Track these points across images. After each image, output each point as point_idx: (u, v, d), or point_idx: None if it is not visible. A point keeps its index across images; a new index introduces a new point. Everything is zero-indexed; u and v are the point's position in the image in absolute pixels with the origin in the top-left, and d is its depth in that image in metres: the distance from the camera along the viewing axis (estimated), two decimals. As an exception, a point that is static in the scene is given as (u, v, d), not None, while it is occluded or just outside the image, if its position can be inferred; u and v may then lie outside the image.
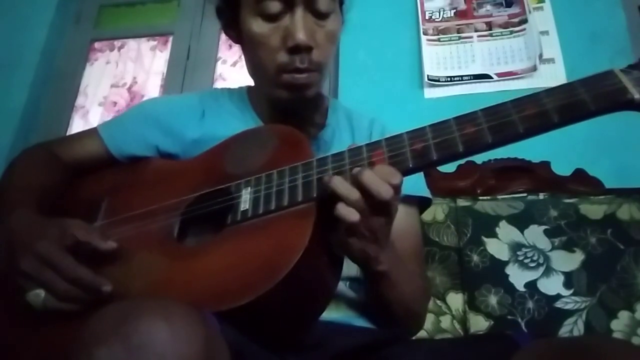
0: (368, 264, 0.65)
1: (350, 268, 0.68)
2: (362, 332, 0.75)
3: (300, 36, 0.74)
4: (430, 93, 1.65)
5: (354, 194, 0.58)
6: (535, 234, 1.14)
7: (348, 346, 0.70)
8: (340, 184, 0.59)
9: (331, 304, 0.69)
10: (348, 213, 0.58)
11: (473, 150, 0.59)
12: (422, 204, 0.90)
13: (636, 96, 0.55)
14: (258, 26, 0.78)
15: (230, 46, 2.04)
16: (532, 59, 1.60)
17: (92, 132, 0.92)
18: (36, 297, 0.62)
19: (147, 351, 0.41)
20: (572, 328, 1.03)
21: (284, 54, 0.77)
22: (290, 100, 0.80)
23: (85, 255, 0.65)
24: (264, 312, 0.56)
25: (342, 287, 0.77)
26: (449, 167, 1.32)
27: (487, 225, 1.17)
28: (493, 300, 1.09)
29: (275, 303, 0.56)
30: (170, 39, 2.17)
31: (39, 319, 0.64)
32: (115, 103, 2.16)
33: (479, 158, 1.31)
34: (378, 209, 0.59)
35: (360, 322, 0.77)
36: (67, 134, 2.04)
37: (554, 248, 1.11)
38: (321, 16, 0.78)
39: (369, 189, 0.57)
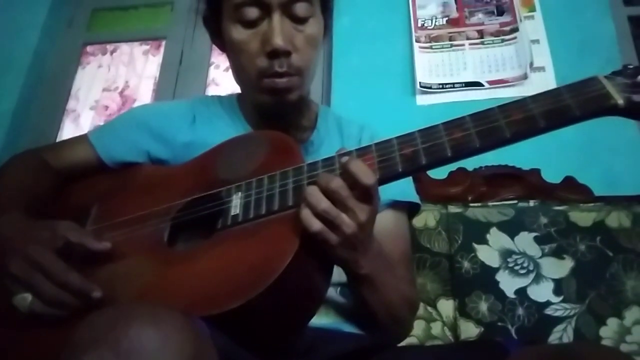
0: (347, 267, 0.65)
1: (341, 274, 0.68)
2: (351, 338, 0.75)
3: (277, 41, 0.75)
4: (422, 100, 1.66)
5: (322, 203, 0.58)
6: (525, 241, 1.15)
7: (337, 352, 0.70)
8: (312, 193, 0.59)
9: (321, 309, 0.69)
10: (310, 222, 0.58)
11: (461, 154, 0.60)
12: (411, 209, 0.91)
13: (620, 102, 0.56)
14: (238, 33, 0.79)
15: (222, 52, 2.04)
16: (522, 67, 1.61)
17: (82, 139, 0.91)
18: (23, 301, 0.61)
19: (136, 357, 0.41)
20: (561, 335, 1.03)
21: (263, 58, 0.77)
22: (273, 104, 0.80)
23: (75, 260, 0.65)
24: (254, 317, 0.56)
25: (332, 292, 0.77)
26: (440, 174, 1.32)
27: (478, 231, 1.18)
28: (483, 306, 1.09)
29: (265, 308, 0.56)
30: (163, 43, 2.16)
31: (30, 323, 0.63)
32: (106, 107, 2.15)
33: (470, 165, 1.32)
34: (362, 199, 0.59)
35: (350, 328, 0.77)
36: (58, 137, 2.03)
37: (543, 255, 1.12)
38: (299, 20, 0.79)
39: (354, 174, 0.58)
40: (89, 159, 0.89)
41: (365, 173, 0.58)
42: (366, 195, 0.59)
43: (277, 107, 0.81)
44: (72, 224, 0.69)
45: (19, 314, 0.62)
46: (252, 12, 0.77)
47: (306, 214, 0.59)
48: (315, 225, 0.58)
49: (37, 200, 0.80)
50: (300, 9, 0.78)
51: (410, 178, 0.92)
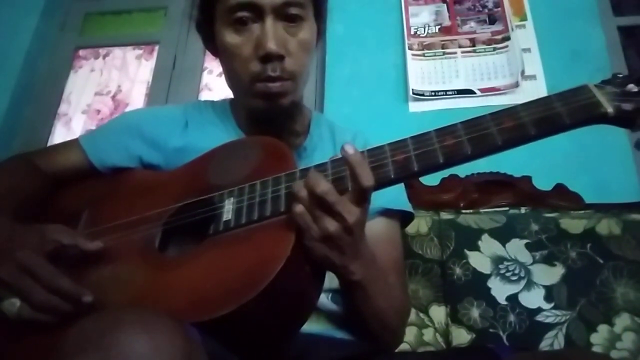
0: (338, 272, 0.65)
1: (332, 280, 0.68)
2: (343, 344, 0.75)
3: (271, 45, 0.75)
4: (414, 107, 1.67)
5: (302, 192, 0.59)
6: (516, 248, 1.15)
7: (329, 358, 0.70)
8: (296, 184, 0.61)
9: (312, 316, 0.69)
10: (294, 206, 0.60)
11: (453, 161, 0.60)
12: (404, 218, 0.91)
13: (609, 110, 0.57)
14: (230, 37, 0.79)
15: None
16: (514, 75, 1.63)
17: (73, 143, 0.91)
18: (11, 306, 0.61)
19: None
20: (552, 341, 1.03)
21: (256, 63, 0.77)
22: (266, 109, 0.80)
23: (65, 264, 0.64)
24: (245, 323, 0.56)
25: (324, 299, 0.77)
26: (433, 181, 1.33)
27: (470, 238, 1.18)
28: (475, 313, 1.09)
29: (256, 313, 0.56)
30: (156, 48, 2.16)
31: (18, 329, 0.63)
32: (98, 111, 2.14)
33: (462, 172, 1.33)
34: (355, 200, 0.59)
35: (341, 334, 0.77)
36: (49, 141, 2.02)
37: (535, 262, 1.12)
38: (292, 25, 0.79)
39: (358, 175, 0.58)
40: (80, 163, 0.88)
41: (368, 175, 0.58)
42: (360, 197, 0.59)
43: (270, 111, 0.81)
44: (62, 226, 0.68)
45: (7, 320, 0.61)
46: (245, 17, 0.77)
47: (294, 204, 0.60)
48: (298, 207, 0.59)
49: (26, 204, 0.79)
50: (293, 13, 0.78)
51: (403, 187, 0.92)
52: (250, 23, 0.77)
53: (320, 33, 0.88)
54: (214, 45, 0.85)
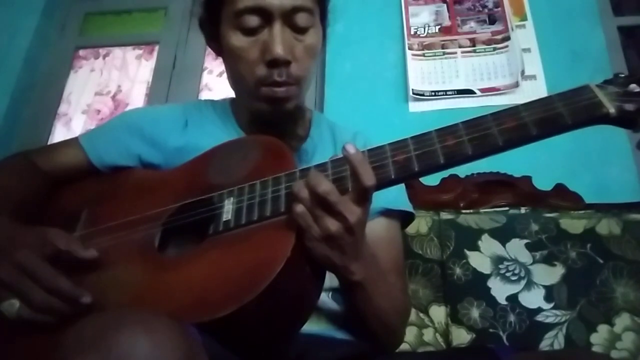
0: (338, 272, 0.65)
1: (333, 279, 0.68)
2: (343, 344, 0.75)
3: (278, 50, 0.75)
4: (414, 107, 1.67)
5: (302, 192, 0.59)
6: (516, 248, 1.15)
7: (329, 358, 0.70)
8: (297, 184, 0.61)
9: (313, 316, 0.68)
10: (295, 206, 0.60)
11: (453, 161, 0.60)
12: (404, 218, 0.91)
13: (611, 110, 0.56)
14: (237, 40, 0.79)
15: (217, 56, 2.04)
16: (514, 75, 1.63)
17: (73, 142, 0.91)
18: (10, 307, 0.60)
19: None
20: (552, 341, 1.03)
21: (262, 67, 0.77)
22: (270, 113, 0.80)
23: (64, 266, 0.64)
24: (246, 324, 0.56)
25: (325, 298, 0.77)
26: (433, 181, 1.33)
27: (470, 238, 1.18)
28: (475, 313, 1.09)
29: (257, 314, 0.56)
30: (156, 48, 2.16)
31: (18, 330, 0.62)
32: (98, 111, 2.14)
33: (462, 172, 1.33)
34: (356, 200, 0.59)
35: (341, 334, 0.77)
36: (49, 141, 2.01)
37: (535, 262, 1.12)
38: (300, 30, 0.79)
39: (359, 174, 0.58)
40: (80, 162, 0.88)
41: (369, 175, 0.58)
42: (362, 197, 0.59)
43: (273, 115, 0.81)
44: (60, 231, 0.68)
45: (6, 321, 0.61)
46: (253, 20, 0.77)
47: (294, 204, 0.60)
48: (298, 207, 0.59)
49: (25, 204, 0.79)
50: (301, 19, 0.78)
51: (403, 187, 0.92)
52: (258, 27, 0.77)
53: (325, 36, 0.88)
54: (217, 44, 0.85)
